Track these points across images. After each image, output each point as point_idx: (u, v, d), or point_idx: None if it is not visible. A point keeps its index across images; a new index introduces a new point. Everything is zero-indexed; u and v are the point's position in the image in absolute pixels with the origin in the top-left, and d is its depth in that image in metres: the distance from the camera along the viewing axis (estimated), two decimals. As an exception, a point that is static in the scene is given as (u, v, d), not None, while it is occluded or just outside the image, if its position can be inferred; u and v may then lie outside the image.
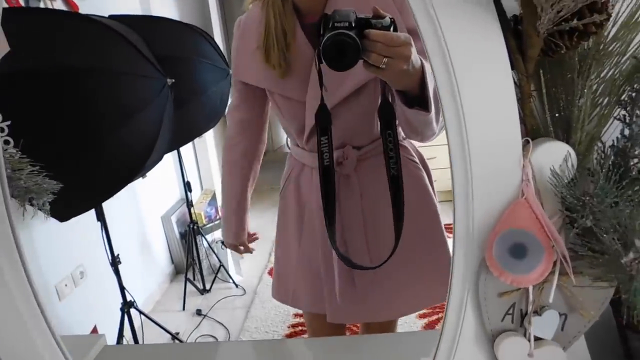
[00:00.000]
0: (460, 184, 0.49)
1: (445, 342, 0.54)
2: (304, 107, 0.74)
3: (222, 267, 2.45)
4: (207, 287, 2.43)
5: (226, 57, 1.69)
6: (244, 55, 0.79)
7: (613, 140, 0.46)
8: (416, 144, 0.84)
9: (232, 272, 2.52)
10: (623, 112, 0.45)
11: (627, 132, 0.44)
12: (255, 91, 0.82)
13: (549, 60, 0.45)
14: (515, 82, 0.45)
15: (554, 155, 0.46)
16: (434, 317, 1.85)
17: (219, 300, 2.33)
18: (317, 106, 0.66)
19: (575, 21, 0.39)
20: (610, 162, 0.44)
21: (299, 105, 0.75)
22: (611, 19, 0.41)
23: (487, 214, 0.49)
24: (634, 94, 0.43)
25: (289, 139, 0.91)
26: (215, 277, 2.47)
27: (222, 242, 2.24)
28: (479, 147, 0.47)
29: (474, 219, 0.49)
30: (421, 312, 1.68)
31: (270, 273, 2.51)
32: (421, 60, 0.59)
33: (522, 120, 0.46)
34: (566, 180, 0.46)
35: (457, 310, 0.53)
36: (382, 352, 0.69)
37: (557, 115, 0.47)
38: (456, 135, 0.47)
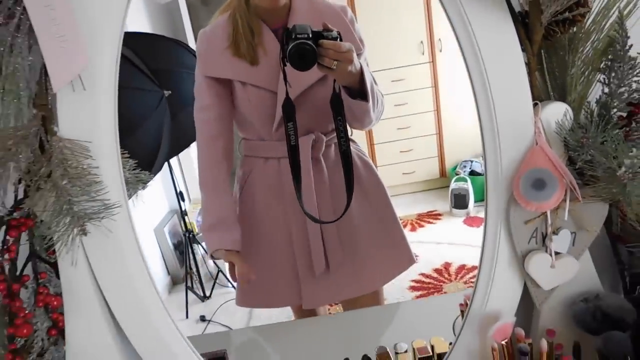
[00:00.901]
0: (489, 140, 0.65)
1: (484, 269, 0.70)
2: (275, 98, 0.85)
3: (220, 273, 2.52)
4: (207, 293, 2.49)
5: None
6: (213, 54, 0.87)
7: (597, 97, 0.63)
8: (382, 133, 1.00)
9: (229, 277, 2.58)
10: (602, 76, 0.62)
11: (607, 90, 0.61)
12: (225, 87, 0.89)
13: (547, 43, 0.61)
14: (524, 61, 0.61)
15: (557, 112, 0.63)
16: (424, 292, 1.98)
17: (221, 305, 2.39)
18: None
19: (567, 13, 0.55)
20: (596, 113, 0.61)
21: (270, 95, 0.86)
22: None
23: (511, 161, 0.65)
24: (609, 62, 0.60)
25: (244, 144, 0.96)
26: (215, 282, 2.53)
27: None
28: (501, 111, 0.63)
29: (502, 166, 0.65)
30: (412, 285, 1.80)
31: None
32: (360, 64, 0.77)
33: (531, 88, 0.62)
34: (567, 129, 0.62)
35: (492, 240, 0.68)
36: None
37: (554, 83, 0.63)
38: (484, 103, 0.63)
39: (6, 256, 0.62)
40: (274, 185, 0.92)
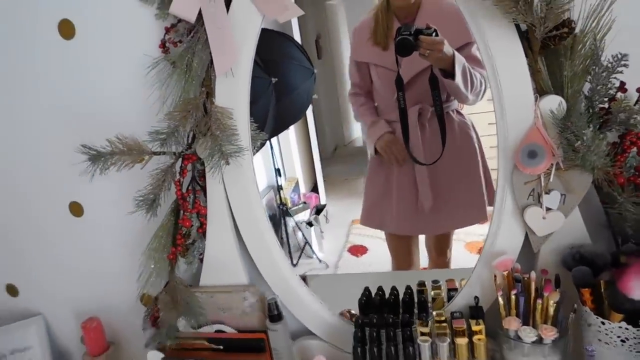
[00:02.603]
0: (500, 121, 0.90)
1: (495, 216, 0.95)
2: (394, 75, 1.14)
3: (307, 245, 2.90)
4: (295, 262, 2.88)
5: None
6: (360, 44, 1.23)
7: (587, 92, 0.84)
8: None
9: (315, 249, 2.95)
10: (589, 76, 0.83)
11: (592, 87, 0.83)
12: (366, 68, 1.24)
13: (547, 51, 0.85)
14: (528, 64, 0.85)
15: (553, 103, 0.85)
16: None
17: (305, 273, 2.76)
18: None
19: (554, 32, 0.79)
20: (582, 105, 0.83)
21: (393, 74, 1.14)
22: (577, 26, 0.80)
23: (515, 136, 0.89)
24: (592, 67, 0.82)
25: (378, 107, 1.28)
26: (302, 253, 2.92)
27: (308, 223, 2.67)
28: (509, 101, 0.87)
29: (508, 140, 0.89)
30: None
31: (348, 250, 2.91)
32: (454, 52, 1.03)
33: (534, 84, 0.86)
34: (559, 116, 0.85)
35: (500, 196, 0.93)
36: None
37: (554, 81, 0.86)
38: (497, 95, 0.88)
39: (179, 177, 1.03)
40: (395, 139, 1.24)
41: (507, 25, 0.84)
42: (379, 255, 1.51)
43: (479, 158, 1.24)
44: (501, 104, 0.88)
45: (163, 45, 1.01)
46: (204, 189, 1.07)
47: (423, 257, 1.40)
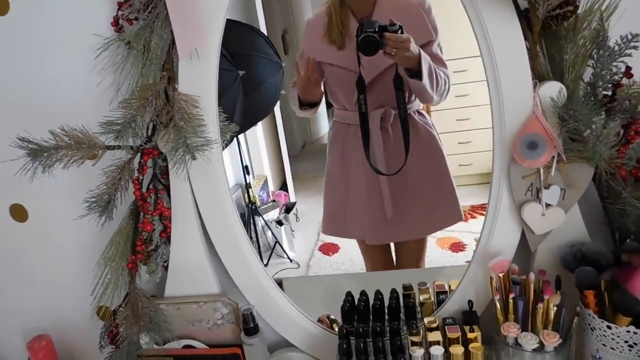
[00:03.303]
0: (496, 110, 0.82)
1: (490, 213, 0.87)
2: (355, 76, 1.05)
3: (277, 244, 2.80)
4: (265, 262, 2.77)
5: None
6: (313, 41, 1.13)
7: (587, 79, 0.78)
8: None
9: (286, 248, 2.86)
10: (591, 61, 0.77)
11: (595, 72, 0.76)
12: (320, 68, 1.12)
13: (546, 33, 0.78)
14: (527, 47, 0.78)
15: (553, 89, 0.78)
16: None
17: (276, 273, 2.66)
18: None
19: (557, 10, 0.72)
20: (583, 92, 0.77)
21: (352, 74, 1.06)
22: (580, 6, 0.73)
23: (512, 126, 0.81)
24: (595, 50, 0.75)
25: (334, 111, 1.20)
26: (272, 252, 2.82)
27: (277, 222, 2.58)
28: (507, 86, 0.80)
29: (505, 130, 0.82)
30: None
31: (320, 249, 2.84)
32: (419, 50, 0.96)
33: (532, 69, 0.79)
34: (560, 104, 0.78)
35: (496, 191, 0.86)
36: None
37: (553, 66, 0.79)
38: (493, 80, 0.81)
39: (137, 175, 0.90)
40: (353, 145, 1.15)
41: (505, 2, 0.76)
42: (351, 254, 1.45)
43: (445, 158, 1.18)
44: (498, 91, 0.81)
45: (116, 22, 0.87)
46: (167, 188, 0.94)
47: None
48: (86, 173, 0.89)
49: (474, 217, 2.31)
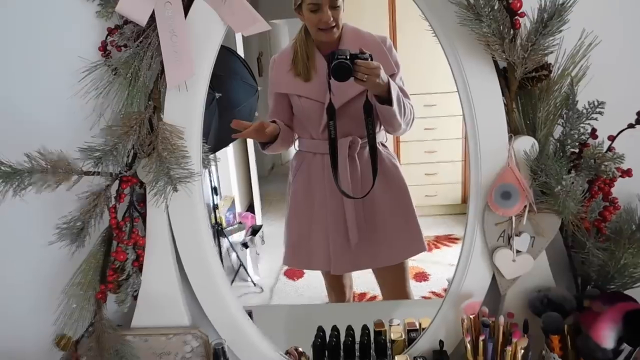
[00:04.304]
0: (473, 159, 0.86)
1: (464, 256, 0.91)
2: (322, 107, 1.10)
3: (242, 267, 2.75)
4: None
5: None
6: (280, 75, 1.17)
7: (559, 135, 0.84)
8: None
9: (250, 272, 2.81)
10: (562, 120, 0.83)
11: (563, 131, 0.82)
12: (287, 100, 1.17)
13: (523, 92, 0.83)
14: (504, 103, 0.83)
15: (526, 143, 0.84)
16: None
17: (239, 297, 2.61)
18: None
19: (533, 73, 0.77)
20: (552, 148, 0.82)
21: (319, 104, 1.11)
22: (553, 71, 0.79)
23: (488, 176, 0.86)
24: (565, 110, 0.81)
25: (298, 142, 1.23)
26: (235, 276, 2.77)
27: (243, 244, 2.55)
28: (484, 139, 0.85)
29: (481, 179, 0.86)
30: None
31: (285, 274, 2.81)
32: (388, 78, 1.02)
33: (508, 123, 0.84)
34: (532, 158, 0.83)
35: (470, 236, 0.90)
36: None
37: (527, 122, 0.85)
38: (472, 132, 0.85)
39: (114, 202, 0.88)
40: (319, 174, 1.18)
41: (487, 62, 0.81)
42: (315, 280, 1.45)
43: (408, 189, 1.23)
44: (476, 140, 0.85)
45: (104, 48, 0.86)
46: (143, 217, 0.92)
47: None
48: (55, 198, 0.86)
49: (438, 248, 2.37)
